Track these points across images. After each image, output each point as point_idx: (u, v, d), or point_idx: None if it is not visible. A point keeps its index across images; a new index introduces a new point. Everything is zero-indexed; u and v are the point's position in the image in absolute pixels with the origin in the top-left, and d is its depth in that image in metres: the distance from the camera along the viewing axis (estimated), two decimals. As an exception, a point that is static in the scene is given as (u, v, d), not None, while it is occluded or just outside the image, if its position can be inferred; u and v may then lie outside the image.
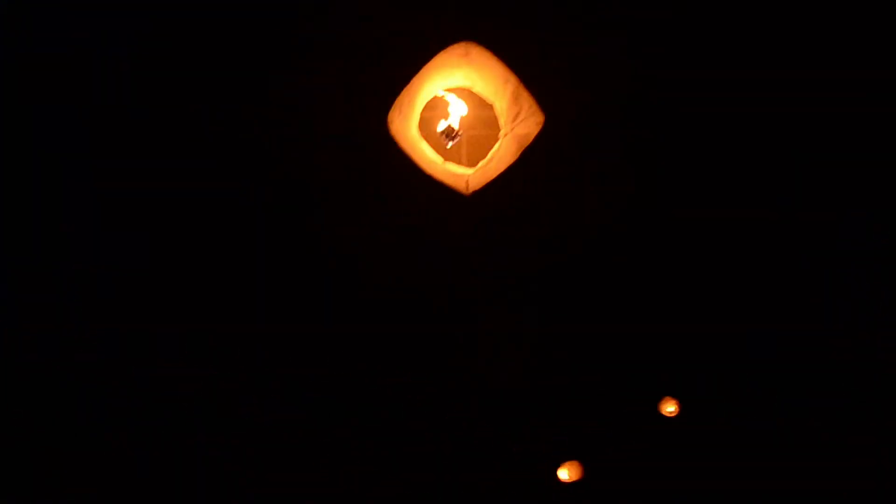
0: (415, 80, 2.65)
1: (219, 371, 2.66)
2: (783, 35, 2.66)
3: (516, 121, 2.81)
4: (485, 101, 3.03)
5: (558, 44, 2.64)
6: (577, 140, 2.68)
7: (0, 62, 2.56)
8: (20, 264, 2.61)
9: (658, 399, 2.75)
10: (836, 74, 2.67)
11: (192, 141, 2.61)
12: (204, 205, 2.63)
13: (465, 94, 3.05)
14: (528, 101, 2.70)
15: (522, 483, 2.71)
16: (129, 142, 2.60)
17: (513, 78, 2.69)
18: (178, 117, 2.60)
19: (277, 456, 2.68)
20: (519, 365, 2.75)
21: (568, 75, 2.65)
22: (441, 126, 3.04)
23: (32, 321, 2.61)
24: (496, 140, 2.95)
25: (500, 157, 2.81)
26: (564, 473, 2.71)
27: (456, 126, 3.03)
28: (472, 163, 3.04)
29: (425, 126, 3.04)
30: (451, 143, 3.04)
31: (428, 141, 2.96)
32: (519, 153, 2.69)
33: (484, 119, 3.12)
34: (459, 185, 2.73)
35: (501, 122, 2.93)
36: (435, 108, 3.08)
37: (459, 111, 3.04)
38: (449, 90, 3.03)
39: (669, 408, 2.73)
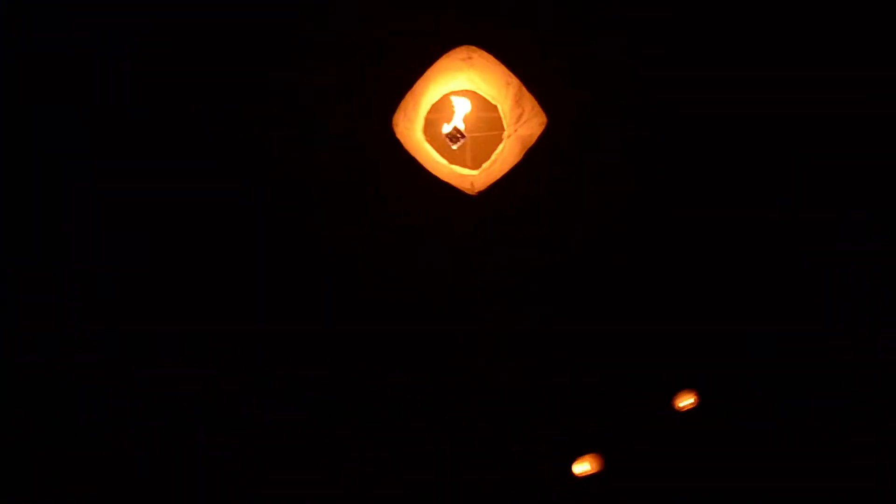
0: (418, 83, 2.65)
1: (219, 371, 2.66)
2: (783, 35, 2.66)
3: (519, 122, 2.81)
4: (489, 103, 3.03)
5: (558, 44, 2.64)
6: (577, 140, 2.68)
7: (0, 62, 2.56)
8: (20, 264, 2.61)
9: (658, 399, 2.75)
10: (836, 74, 2.67)
11: (192, 141, 2.61)
12: (204, 205, 2.63)
13: (469, 96, 3.06)
14: (530, 103, 2.71)
15: (522, 483, 2.71)
16: (129, 142, 2.61)
17: (514, 80, 2.69)
18: (178, 117, 2.60)
19: (277, 456, 2.68)
20: (519, 365, 2.75)
21: (568, 76, 2.66)
22: (446, 129, 3.06)
23: (32, 321, 2.61)
24: (500, 141, 2.96)
25: (504, 158, 2.82)
26: (584, 466, 2.70)
27: (461, 128, 3.05)
28: (476, 164, 3.05)
29: (430, 128, 3.05)
30: (455, 145, 3.06)
31: (433, 143, 2.97)
32: (522, 154, 2.70)
33: (488, 120, 3.12)
34: (465, 186, 2.74)
35: (505, 123, 2.93)
36: (439, 110, 3.09)
37: (463, 114, 3.06)
38: (453, 93, 3.05)
39: (686, 400, 2.72)
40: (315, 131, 2.62)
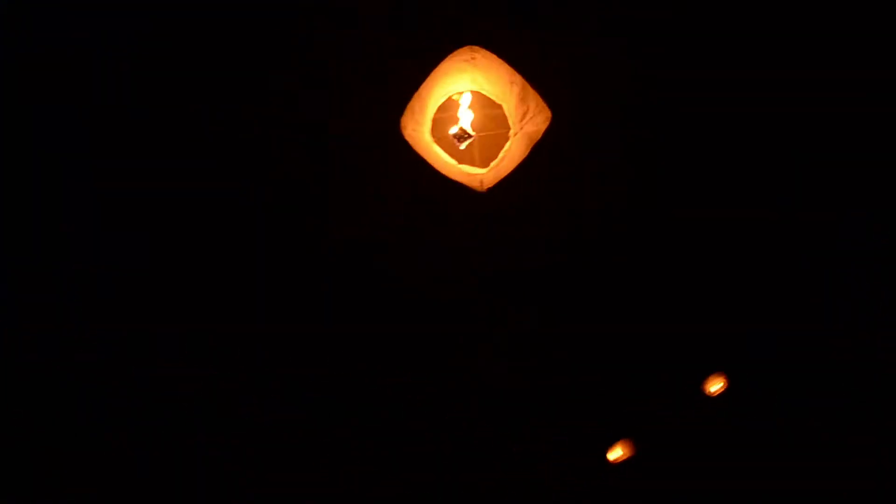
0: (424, 85, 2.66)
1: (219, 371, 2.66)
2: (783, 35, 2.66)
3: (524, 120, 2.82)
4: (494, 101, 3.04)
5: (558, 44, 2.64)
6: (577, 140, 2.68)
7: (0, 62, 2.56)
8: (20, 264, 2.61)
9: (657, 399, 2.75)
10: (836, 74, 2.67)
11: (192, 141, 2.61)
12: (204, 205, 2.63)
13: (474, 96, 3.06)
14: (534, 100, 2.71)
15: (522, 483, 2.71)
16: (129, 142, 2.61)
17: (518, 79, 2.69)
18: (178, 117, 2.60)
19: (277, 456, 2.68)
20: (519, 365, 2.75)
21: (568, 75, 2.65)
22: (453, 129, 3.07)
23: (32, 321, 2.61)
24: (507, 139, 2.96)
25: (511, 155, 2.82)
26: (617, 452, 2.70)
27: (467, 128, 3.06)
28: (485, 162, 3.05)
29: (436, 128, 3.05)
30: (463, 145, 3.07)
31: (440, 143, 2.98)
32: (528, 150, 2.70)
33: (495, 118, 3.13)
34: (474, 185, 2.74)
35: (511, 122, 2.94)
36: (445, 110, 3.09)
37: (469, 114, 3.06)
38: (458, 93, 3.05)
39: (716, 385, 2.72)
40: (316, 131, 2.62)
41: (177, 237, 2.65)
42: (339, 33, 2.58)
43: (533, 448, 2.73)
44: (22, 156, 2.58)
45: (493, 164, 2.90)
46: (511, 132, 2.93)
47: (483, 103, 3.08)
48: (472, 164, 3.08)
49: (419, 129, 2.82)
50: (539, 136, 2.68)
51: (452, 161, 2.89)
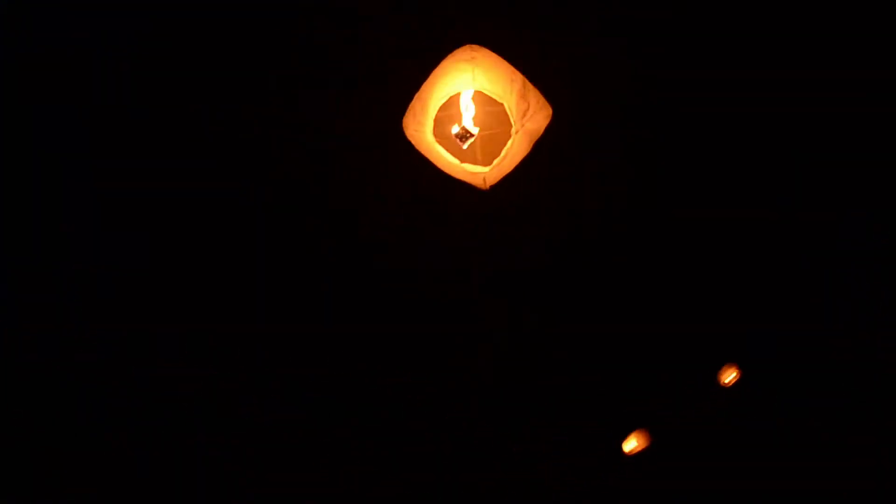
0: (425, 85, 2.65)
1: (219, 371, 2.66)
2: (783, 35, 2.66)
3: (525, 117, 2.82)
4: (495, 100, 3.04)
5: (558, 44, 2.64)
6: (577, 140, 2.68)
7: (0, 62, 2.56)
8: (20, 264, 2.61)
9: (657, 399, 2.75)
10: (836, 74, 2.67)
11: (192, 141, 2.61)
12: (204, 205, 2.63)
13: (475, 94, 3.06)
14: (535, 97, 2.71)
15: (522, 483, 2.71)
16: (129, 142, 2.60)
17: (519, 77, 2.69)
18: (178, 117, 2.60)
19: (277, 456, 2.68)
20: (519, 365, 2.75)
21: (568, 75, 2.65)
22: (455, 129, 3.06)
23: (32, 321, 2.61)
24: (509, 137, 2.96)
25: (513, 153, 2.82)
26: (632, 443, 2.70)
27: (469, 127, 3.06)
28: (488, 160, 3.05)
29: (437, 127, 3.05)
30: (465, 144, 3.07)
31: (442, 143, 2.98)
32: (530, 148, 2.70)
33: (496, 115, 3.12)
34: (477, 183, 2.74)
35: (512, 119, 2.94)
36: (445, 109, 3.09)
37: (470, 113, 3.06)
38: (459, 92, 3.05)
39: (730, 375, 2.71)
40: (316, 131, 2.62)
41: (177, 237, 2.65)
42: (339, 33, 2.58)
43: (533, 448, 2.73)
44: (22, 156, 2.58)
45: (496, 161, 2.90)
46: (513, 130, 2.93)
47: (483, 101, 3.08)
48: (475, 162, 3.08)
49: (421, 129, 2.82)
50: (540, 133, 2.68)
51: (455, 160, 2.89)
